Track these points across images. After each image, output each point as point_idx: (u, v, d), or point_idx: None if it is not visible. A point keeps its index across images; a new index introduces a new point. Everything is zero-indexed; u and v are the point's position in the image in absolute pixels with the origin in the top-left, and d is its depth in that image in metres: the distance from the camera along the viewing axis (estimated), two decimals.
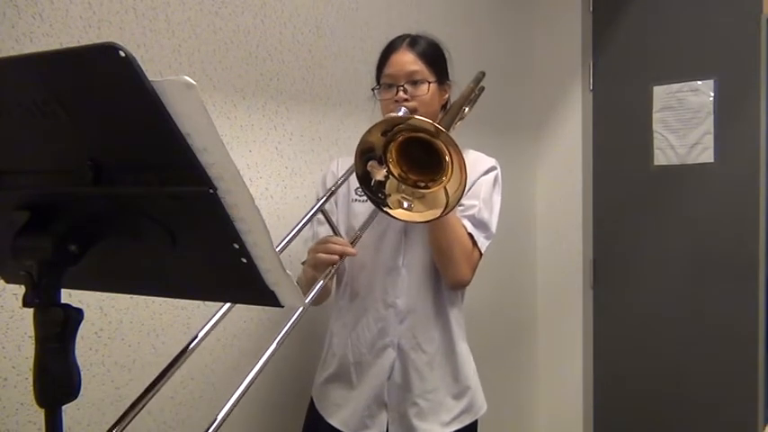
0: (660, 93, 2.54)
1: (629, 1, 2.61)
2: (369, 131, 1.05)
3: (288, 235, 1.10)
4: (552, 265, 2.85)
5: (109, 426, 0.73)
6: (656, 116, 2.55)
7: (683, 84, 2.49)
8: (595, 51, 2.70)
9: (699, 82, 2.46)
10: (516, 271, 2.76)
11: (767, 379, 2.36)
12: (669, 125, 2.53)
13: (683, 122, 2.50)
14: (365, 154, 1.08)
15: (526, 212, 2.83)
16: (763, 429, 2.33)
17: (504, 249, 2.54)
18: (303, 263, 1.37)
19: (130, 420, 0.75)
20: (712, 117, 2.43)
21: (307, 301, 0.89)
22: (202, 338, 0.89)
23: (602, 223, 2.73)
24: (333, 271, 1.18)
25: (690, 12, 2.47)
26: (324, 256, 1.19)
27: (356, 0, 1.82)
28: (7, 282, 0.75)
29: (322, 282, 1.12)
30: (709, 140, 2.44)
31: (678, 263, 2.53)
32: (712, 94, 2.43)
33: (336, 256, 1.18)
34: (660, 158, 2.55)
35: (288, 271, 0.62)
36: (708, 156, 2.45)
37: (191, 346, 0.87)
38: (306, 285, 1.24)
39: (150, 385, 0.79)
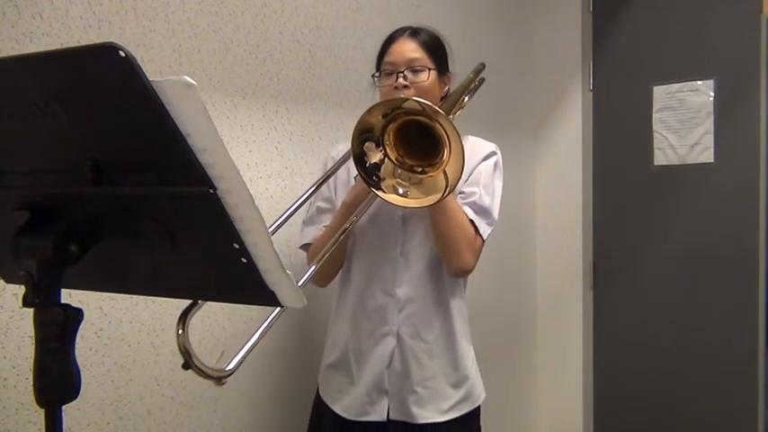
0: (660, 93, 2.54)
1: (629, 1, 2.61)
2: (369, 111, 1.05)
3: (279, 219, 1.07)
4: (552, 265, 2.84)
5: (109, 426, 0.73)
6: (656, 116, 2.55)
7: (683, 84, 2.49)
8: (595, 51, 2.70)
9: (699, 82, 2.45)
10: (516, 271, 2.76)
11: (767, 379, 2.36)
12: (669, 125, 2.53)
13: (683, 122, 2.49)
14: (363, 134, 1.07)
15: (526, 212, 2.83)
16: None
17: (503, 249, 2.54)
18: (301, 247, 1.40)
19: None
20: (712, 117, 2.43)
21: (301, 282, 0.89)
22: None
23: (602, 223, 2.72)
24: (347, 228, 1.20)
25: (690, 12, 2.47)
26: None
27: (356, 0, 1.82)
28: (7, 282, 0.75)
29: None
30: (710, 140, 2.44)
31: (678, 263, 2.53)
32: (712, 94, 2.43)
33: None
34: (660, 158, 2.55)
35: (288, 271, 0.62)
36: (708, 156, 2.45)
37: None
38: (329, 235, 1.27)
39: None
